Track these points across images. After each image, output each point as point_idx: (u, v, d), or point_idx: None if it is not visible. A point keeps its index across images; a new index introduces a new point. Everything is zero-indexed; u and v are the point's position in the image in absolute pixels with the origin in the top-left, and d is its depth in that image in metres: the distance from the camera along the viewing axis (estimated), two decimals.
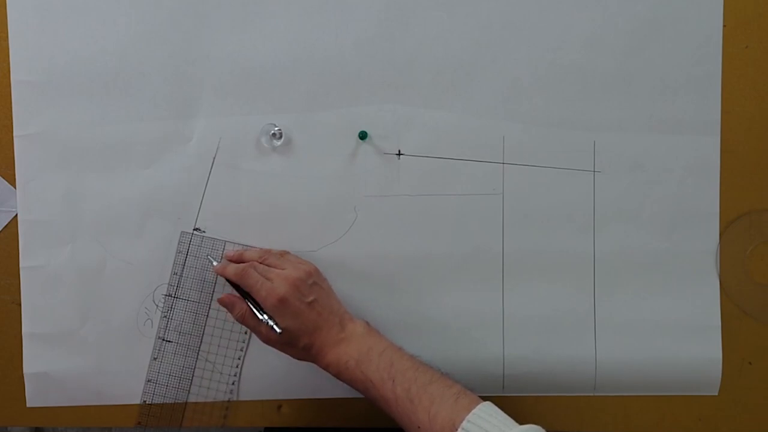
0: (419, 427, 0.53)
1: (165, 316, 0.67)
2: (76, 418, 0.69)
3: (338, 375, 0.58)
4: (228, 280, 0.63)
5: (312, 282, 0.60)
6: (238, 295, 0.62)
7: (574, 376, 0.68)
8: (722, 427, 0.69)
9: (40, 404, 0.68)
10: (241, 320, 0.61)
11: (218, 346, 0.67)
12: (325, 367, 0.59)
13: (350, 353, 0.57)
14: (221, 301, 0.62)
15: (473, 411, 0.51)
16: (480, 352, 0.67)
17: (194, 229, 0.66)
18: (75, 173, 0.66)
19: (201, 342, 0.67)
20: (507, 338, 0.67)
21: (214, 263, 0.64)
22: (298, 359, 0.61)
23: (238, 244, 0.66)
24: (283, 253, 0.64)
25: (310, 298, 0.59)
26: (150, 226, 0.66)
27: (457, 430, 0.50)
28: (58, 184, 0.66)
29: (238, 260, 0.64)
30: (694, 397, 0.68)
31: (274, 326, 0.58)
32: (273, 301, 0.58)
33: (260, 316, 0.59)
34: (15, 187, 0.66)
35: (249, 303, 0.60)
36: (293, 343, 0.59)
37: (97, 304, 0.67)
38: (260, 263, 0.62)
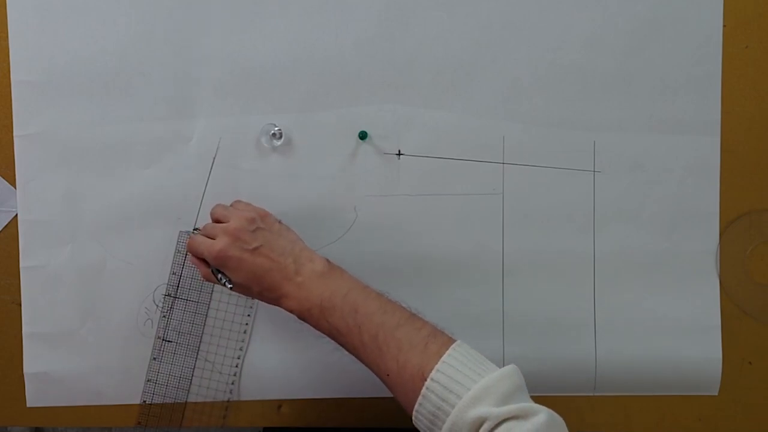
0: (388, 375, 0.50)
1: (165, 316, 0.67)
2: (76, 418, 0.69)
3: (304, 321, 0.55)
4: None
5: (255, 228, 0.57)
6: None
7: (574, 376, 0.68)
8: (722, 427, 0.68)
9: (40, 404, 0.68)
10: (206, 279, 0.59)
11: (218, 345, 0.67)
12: (289, 312, 0.56)
13: (311, 299, 0.54)
14: (191, 261, 0.61)
15: (443, 358, 0.48)
16: (480, 352, 0.67)
17: (194, 229, 0.66)
18: (75, 173, 0.66)
19: (200, 342, 0.67)
20: (507, 338, 0.67)
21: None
22: (269, 303, 0.58)
23: None
24: (234, 203, 0.63)
25: (255, 245, 0.56)
26: (150, 226, 0.66)
27: (425, 379, 0.48)
28: (58, 184, 0.66)
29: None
30: (694, 397, 0.68)
31: (225, 283, 0.57)
32: (212, 258, 0.56)
33: (217, 274, 0.58)
34: (15, 187, 0.66)
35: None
36: (249, 289, 0.57)
37: (97, 304, 0.67)
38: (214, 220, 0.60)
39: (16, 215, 0.66)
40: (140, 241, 0.66)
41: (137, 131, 0.66)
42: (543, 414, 0.47)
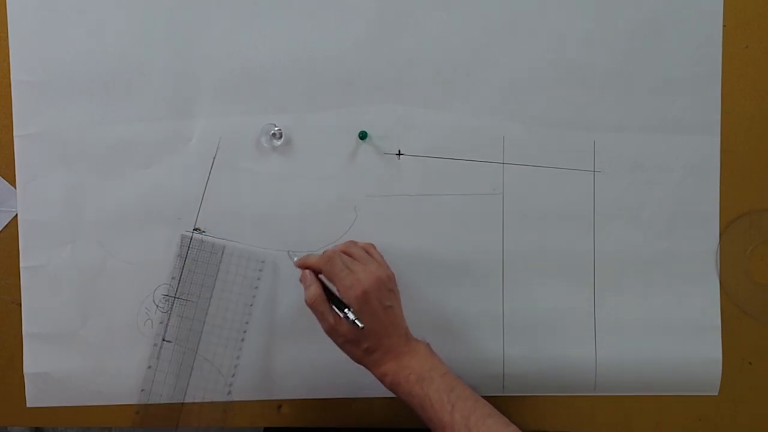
0: None
1: (165, 317, 0.67)
2: (76, 418, 0.69)
3: (394, 386, 0.56)
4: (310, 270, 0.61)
5: (391, 287, 0.59)
6: (315, 276, 0.60)
7: (574, 376, 0.68)
8: (722, 427, 0.69)
9: (40, 404, 0.68)
10: (312, 303, 0.58)
11: (216, 345, 0.67)
12: (382, 375, 0.57)
13: (413, 367, 0.56)
14: (302, 276, 0.60)
15: None
16: (480, 352, 0.67)
17: (194, 229, 0.66)
18: (75, 173, 0.66)
19: (199, 342, 0.67)
20: (507, 338, 0.67)
21: (295, 259, 0.62)
22: (354, 360, 0.58)
23: (239, 243, 0.66)
24: (368, 248, 0.63)
25: (388, 303, 0.57)
26: (150, 226, 0.66)
27: None
28: (58, 184, 0.66)
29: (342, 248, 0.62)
30: (694, 397, 0.68)
31: (356, 321, 0.56)
32: (357, 292, 0.56)
33: (343, 309, 0.56)
34: (15, 187, 0.66)
35: (327, 290, 0.59)
36: (358, 342, 0.57)
37: (97, 304, 0.67)
38: (345, 253, 0.61)
39: (16, 215, 0.66)
40: (140, 241, 0.66)
41: (137, 131, 0.66)
42: None
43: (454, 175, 0.66)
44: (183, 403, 0.67)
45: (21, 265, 0.67)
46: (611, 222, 0.67)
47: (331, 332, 0.58)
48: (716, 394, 0.68)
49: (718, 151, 0.67)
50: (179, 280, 0.67)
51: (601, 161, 0.66)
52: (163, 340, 0.67)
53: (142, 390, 0.67)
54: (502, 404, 0.68)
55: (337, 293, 0.58)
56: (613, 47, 0.65)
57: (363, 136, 0.66)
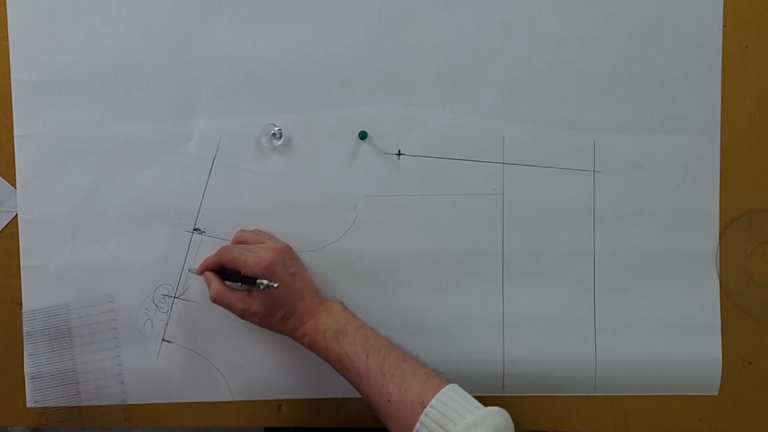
0: (389, 401, 0.55)
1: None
2: (76, 418, 0.69)
3: (312, 344, 0.60)
4: (211, 271, 0.62)
5: (292, 256, 0.62)
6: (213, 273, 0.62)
7: (574, 376, 0.68)
8: (722, 427, 0.68)
9: (40, 404, 0.68)
10: (216, 298, 0.60)
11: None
12: (300, 337, 0.60)
13: (328, 324, 0.59)
14: (205, 277, 0.62)
15: (442, 390, 0.53)
16: (480, 352, 0.67)
17: (194, 229, 0.66)
18: (75, 173, 0.66)
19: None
20: (507, 338, 0.67)
21: (195, 268, 0.64)
22: (276, 331, 0.61)
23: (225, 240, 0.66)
24: (257, 231, 0.65)
25: (293, 269, 0.61)
26: (150, 226, 0.66)
27: (425, 406, 0.52)
28: (58, 184, 0.66)
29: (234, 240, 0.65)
30: (694, 397, 0.68)
31: (269, 284, 0.58)
32: (261, 268, 0.58)
33: (254, 282, 0.58)
34: (15, 187, 0.66)
35: (233, 276, 0.61)
36: (273, 313, 0.60)
37: (97, 305, 0.67)
38: (239, 241, 0.64)
39: (16, 215, 0.66)
40: (140, 241, 0.66)
41: (137, 131, 0.66)
42: None
43: (454, 175, 0.66)
44: (182, 403, 0.67)
45: (21, 265, 0.67)
46: (611, 222, 0.67)
47: (246, 315, 0.60)
48: (716, 394, 0.68)
49: (718, 151, 0.67)
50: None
51: (601, 161, 0.66)
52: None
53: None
54: (502, 404, 0.68)
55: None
56: (613, 47, 0.65)
57: (363, 136, 0.66)
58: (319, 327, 0.59)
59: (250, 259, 0.59)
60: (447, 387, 0.54)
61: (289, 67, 0.65)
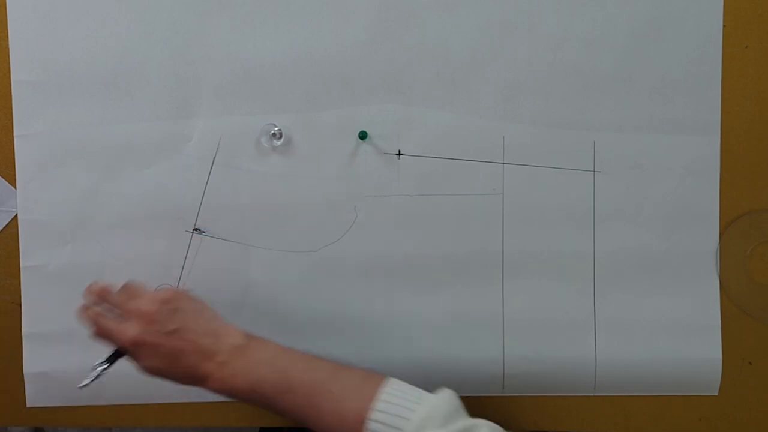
0: (323, 428, 0.51)
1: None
2: (76, 418, 0.69)
3: (234, 398, 0.54)
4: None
5: (172, 308, 0.55)
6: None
7: (574, 376, 0.68)
8: (722, 427, 0.68)
9: (40, 404, 0.68)
10: (92, 322, 0.57)
11: None
12: (215, 393, 0.54)
13: (237, 377, 0.53)
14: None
15: (378, 397, 0.49)
16: (480, 352, 0.67)
17: (194, 229, 0.66)
18: (75, 173, 0.66)
19: None
20: (507, 338, 0.67)
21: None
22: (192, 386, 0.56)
23: (239, 243, 0.66)
24: (131, 287, 0.58)
25: (171, 327, 0.54)
26: (150, 226, 0.66)
27: (367, 420, 0.49)
28: (58, 184, 0.66)
29: (99, 296, 0.58)
30: (694, 397, 0.68)
31: (91, 377, 0.55)
32: (126, 344, 0.54)
33: (98, 361, 0.55)
34: (15, 187, 0.66)
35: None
36: (166, 376, 0.55)
37: None
38: (112, 302, 0.57)
39: (16, 215, 0.66)
40: (140, 241, 0.66)
41: (137, 131, 0.66)
42: (485, 428, 0.48)
43: (454, 175, 0.66)
44: (182, 403, 0.67)
45: (21, 265, 0.67)
46: (611, 222, 0.67)
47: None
48: (716, 394, 0.68)
49: (718, 151, 0.66)
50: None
51: (601, 161, 0.66)
52: None
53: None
54: (502, 404, 0.68)
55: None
56: (613, 47, 0.65)
57: (363, 136, 0.66)
58: (226, 383, 0.53)
59: (115, 332, 0.55)
60: (383, 389, 0.50)
61: (289, 67, 0.65)
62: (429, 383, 0.67)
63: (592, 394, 0.68)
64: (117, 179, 0.66)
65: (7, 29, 0.65)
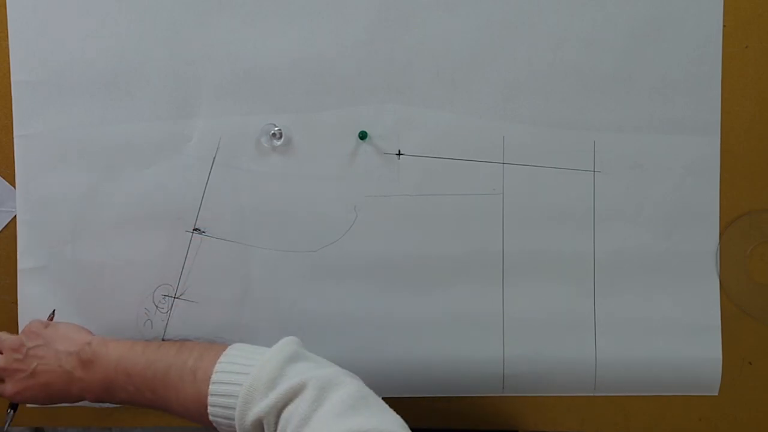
0: (185, 418, 0.53)
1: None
2: (76, 418, 0.69)
3: (112, 402, 0.58)
4: None
5: (26, 350, 0.59)
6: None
7: (574, 376, 0.68)
8: (722, 427, 0.68)
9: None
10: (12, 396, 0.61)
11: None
12: (95, 402, 0.58)
13: (93, 387, 0.57)
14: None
15: (212, 377, 0.50)
16: (480, 352, 0.67)
17: (194, 230, 0.66)
18: (75, 173, 0.66)
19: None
20: (507, 338, 0.67)
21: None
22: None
23: (239, 243, 0.66)
24: None
25: (30, 367, 0.58)
26: (150, 226, 0.66)
27: (207, 407, 0.49)
28: (58, 184, 0.66)
29: None
30: (694, 397, 0.68)
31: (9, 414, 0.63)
32: (9, 399, 0.61)
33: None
34: (15, 187, 0.66)
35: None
36: (60, 402, 0.60)
37: (97, 305, 0.67)
38: None
39: (16, 215, 0.66)
40: (140, 241, 0.66)
41: (137, 131, 0.66)
42: (311, 383, 0.46)
43: (454, 175, 0.66)
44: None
45: (20, 265, 0.67)
46: (611, 222, 0.67)
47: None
48: (716, 394, 0.68)
49: (718, 151, 0.66)
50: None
51: (601, 161, 0.66)
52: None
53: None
54: (502, 404, 0.68)
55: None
56: (613, 47, 0.65)
57: (363, 136, 0.66)
58: (92, 394, 0.57)
59: (2, 391, 0.60)
60: (216, 368, 0.50)
61: (289, 67, 0.65)
62: (429, 383, 0.68)
63: (592, 394, 0.68)
64: (117, 179, 0.66)
65: (7, 29, 0.65)
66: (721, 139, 0.66)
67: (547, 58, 0.65)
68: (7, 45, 0.65)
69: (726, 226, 0.67)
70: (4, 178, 0.66)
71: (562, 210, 0.66)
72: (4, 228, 0.67)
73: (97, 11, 0.65)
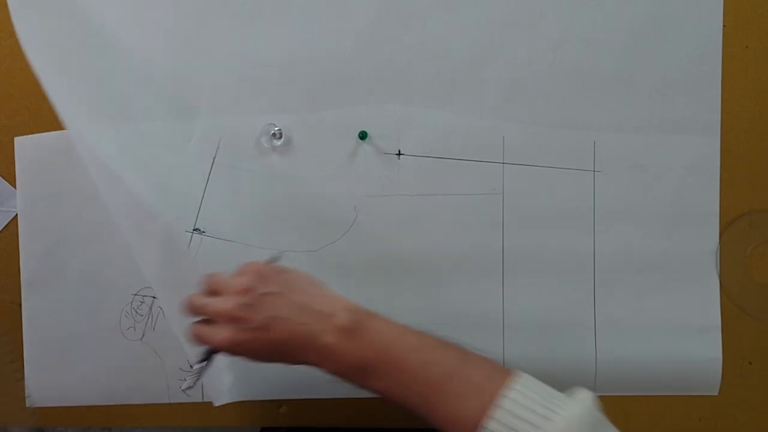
0: (437, 427, 0.46)
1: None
2: (76, 418, 0.69)
3: (354, 383, 0.49)
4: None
5: (257, 296, 0.48)
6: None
7: (574, 376, 0.68)
8: (722, 427, 0.69)
9: (40, 404, 0.68)
10: (192, 337, 0.51)
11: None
12: (329, 374, 0.50)
13: (344, 363, 0.47)
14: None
15: (499, 402, 0.43)
16: (480, 352, 0.67)
17: (194, 229, 0.66)
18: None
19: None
20: (507, 338, 0.67)
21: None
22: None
23: (239, 243, 0.66)
24: (211, 283, 0.52)
25: (262, 317, 0.48)
26: (150, 226, 0.66)
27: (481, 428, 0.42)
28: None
29: (188, 310, 0.52)
30: (694, 397, 0.68)
31: (193, 378, 0.51)
32: (223, 348, 0.49)
33: (195, 365, 0.51)
34: (15, 187, 0.66)
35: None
36: (277, 361, 0.50)
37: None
38: (197, 308, 0.51)
39: (16, 215, 0.66)
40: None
41: (137, 131, 0.66)
42: None
43: (454, 175, 0.66)
44: (182, 403, 0.67)
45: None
46: (611, 222, 0.67)
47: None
48: (716, 394, 0.68)
49: (718, 151, 0.66)
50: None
51: (601, 161, 0.66)
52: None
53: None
54: None
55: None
56: (613, 47, 0.65)
57: (363, 136, 0.66)
58: (334, 369, 0.48)
59: (207, 341, 0.49)
60: (506, 392, 0.43)
61: (289, 67, 0.65)
62: None
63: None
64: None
65: (7, 29, 0.65)
66: (721, 139, 0.66)
67: (547, 58, 0.65)
68: (9, 45, 0.65)
69: (726, 226, 0.67)
70: (4, 178, 0.66)
71: (562, 210, 0.67)
72: (4, 228, 0.67)
73: (98, 11, 0.65)
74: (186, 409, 0.68)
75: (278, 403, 0.68)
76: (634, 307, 0.67)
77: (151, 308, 0.67)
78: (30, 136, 0.66)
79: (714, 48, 0.66)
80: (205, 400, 0.68)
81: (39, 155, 0.66)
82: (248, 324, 0.47)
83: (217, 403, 0.64)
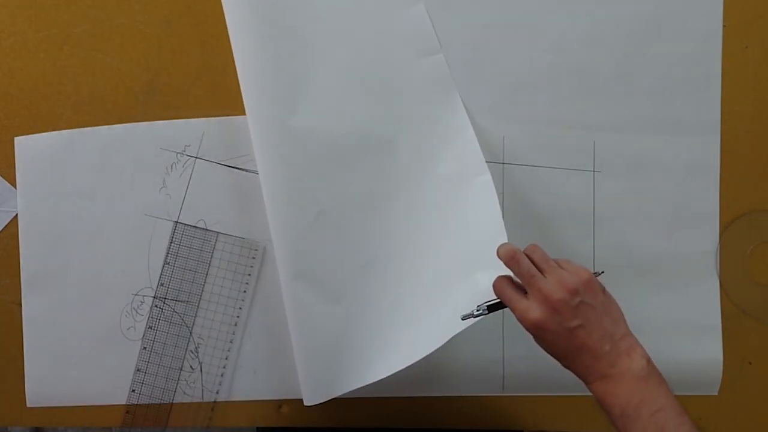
0: None
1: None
2: (76, 418, 0.69)
3: (604, 410, 0.52)
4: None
5: (579, 301, 0.50)
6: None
7: (575, 376, 0.67)
8: (722, 427, 0.68)
9: (40, 404, 0.68)
10: (496, 291, 0.54)
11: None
12: (592, 392, 0.53)
13: (616, 398, 0.50)
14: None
15: None
16: (480, 352, 0.67)
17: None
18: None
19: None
20: (507, 338, 0.67)
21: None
22: None
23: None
24: (539, 257, 0.54)
25: (574, 323, 0.50)
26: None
27: None
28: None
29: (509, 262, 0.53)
30: (694, 397, 0.68)
31: (473, 315, 0.54)
32: (526, 324, 0.52)
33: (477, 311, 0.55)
34: (15, 187, 0.66)
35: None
36: (552, 355, 0.53)
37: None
38: (521, 269, 0.53)
39: (16, 215, 0.66)
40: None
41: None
42: None
43: None
44: (170, 404, 0.67)
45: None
46: (611, 222, 0.67)
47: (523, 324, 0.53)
48: (716, 394, 0.68)
49: (718, 151, 0.67)
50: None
51: (601, 161, 0.66)
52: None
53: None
54: (502, 404, 0.68)
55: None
56: (613, 47, 0.65)
57: None
58: (605, 399, 0.51)
59: (518, 308, 0.52)
60: None
61: None
62: (429, 383, 0.68)
63: (592, 394, 0.68)
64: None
65: (8, 29, 0.65)
66: (721, 139, 0.66)
67: (547, 58, 0.65)
68: (8, 45, 0.65)
69: (726, 226, 0.67)
70: (4, 178, 0.66)
71: (562, 210, 0.66)
72: (4, 228, 0.67)
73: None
74: (186, 409, 0.68)
75: (278, 403, 0.68)
76: (634, 307, 0.67)
77: (151, 308, 0.67)
78: (30, 136, 0.66)
79: (714, 48, 0.66)
80: (221, 399, 0.68)
81: (39, 155, 0.66)
82: (562, 321, 0.51)
83: (307, 402, 0.63)
